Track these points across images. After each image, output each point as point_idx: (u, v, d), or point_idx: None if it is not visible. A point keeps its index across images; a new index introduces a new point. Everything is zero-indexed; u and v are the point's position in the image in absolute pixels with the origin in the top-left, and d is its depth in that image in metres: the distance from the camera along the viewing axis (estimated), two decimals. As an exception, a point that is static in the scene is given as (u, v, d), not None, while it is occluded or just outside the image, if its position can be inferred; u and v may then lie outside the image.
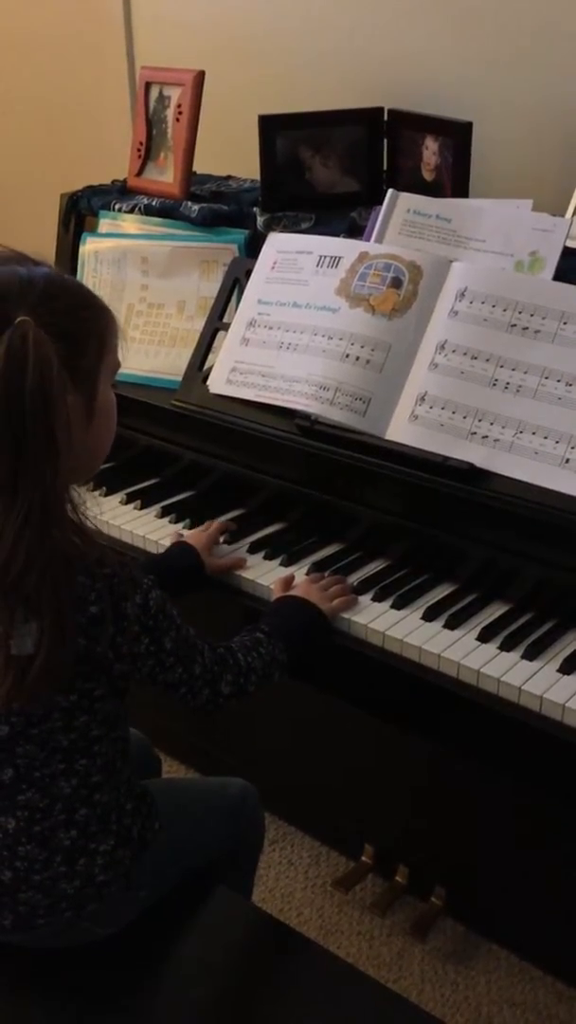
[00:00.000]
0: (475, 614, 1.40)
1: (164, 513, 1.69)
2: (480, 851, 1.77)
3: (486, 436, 1.41)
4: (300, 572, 1.51)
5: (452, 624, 1.37)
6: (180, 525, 1.65)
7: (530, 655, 1.31)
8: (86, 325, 1.07)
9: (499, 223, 1.57)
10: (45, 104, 2.79)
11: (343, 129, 1.90)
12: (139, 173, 2.05)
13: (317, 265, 1.61)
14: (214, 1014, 1.18)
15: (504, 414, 1.41)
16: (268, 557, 1.55)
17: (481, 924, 1.84)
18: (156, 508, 1.70)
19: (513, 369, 1.42)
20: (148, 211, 1.94)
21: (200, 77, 1.93)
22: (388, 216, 1.66)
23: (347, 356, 1.53)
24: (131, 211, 1.95)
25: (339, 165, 1.92)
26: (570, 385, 1.38)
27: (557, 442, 1.37)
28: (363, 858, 1.91)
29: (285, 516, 1.64)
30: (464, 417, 1.43)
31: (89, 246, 1.96)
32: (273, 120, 1.87)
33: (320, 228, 1.81)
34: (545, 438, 1.37)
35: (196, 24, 2.32)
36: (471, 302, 1.47)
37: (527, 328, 1.42)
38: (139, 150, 2.04)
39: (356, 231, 1.76)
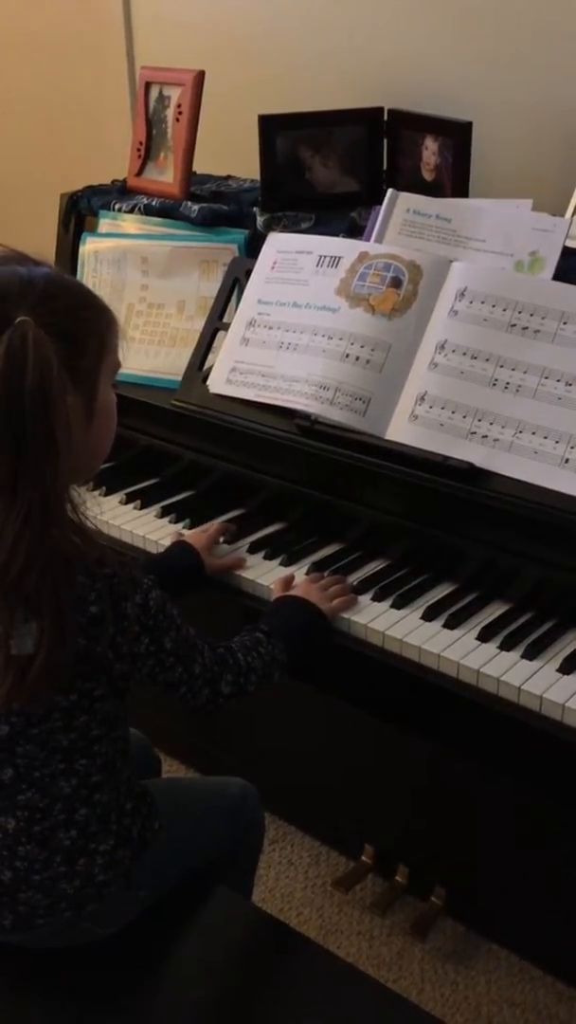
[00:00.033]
0: (475, 614, 1.40)
1: (164, 513, 1.69)
2: (480, 851, 1.77)
3: (486, 436, 1.41)
4: (300, 572, 1.51)
5: (452, 624, 1.37)
6: (180, 525, 1.65)
7: (530, 655, 1.31)
8: (86, 325, 1.08)
9: (499, 223, 1.57)
10: (45, 104, 2.79)
11: (343, 129, 1.90)
12: (139, 173, 2.05)
13: (317, 265, 1.61)
14: (214, 1014, 1.18)
15: (504, 414, 1.41)
16: (268, 557, 1.55)
17: (481, 924, 1.84)
18: (156, 508, 1.70)
19: (513, 369, 1.42)
20: (148, 211, 1.94)
21: (200, 77, 1.93)
22: (388, 216, 1.66)
23: (347, 356, 1.53)
24: (131, 211, 1.95)
25: (339, 165, 1.92)
26: (570, 385, 1.38)
27: (557, 442, 1.37)
28: (363, 858, 1.91)
29: (285, 516, 1.64)
30: (464, 417, 1.43)
31: (89, 246, 1.96)
32: (273, 120, 1.87)
33: (320, 228, 1.81)
34: (545, 438, 1.37)
35: (196, 24, 2.32)
36: (471, 302, 1.47)
37: (527, 328, 1.42)
38: (139, 150, 2.04)
39: (356, 231, 1.75)
